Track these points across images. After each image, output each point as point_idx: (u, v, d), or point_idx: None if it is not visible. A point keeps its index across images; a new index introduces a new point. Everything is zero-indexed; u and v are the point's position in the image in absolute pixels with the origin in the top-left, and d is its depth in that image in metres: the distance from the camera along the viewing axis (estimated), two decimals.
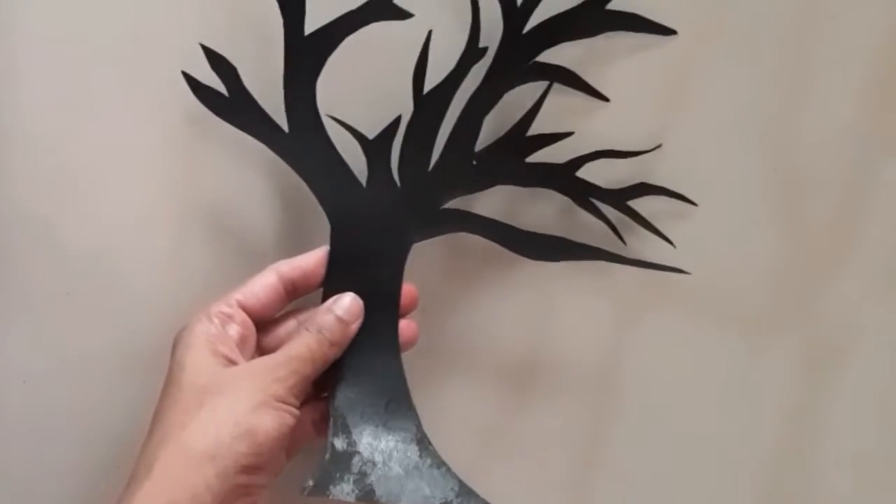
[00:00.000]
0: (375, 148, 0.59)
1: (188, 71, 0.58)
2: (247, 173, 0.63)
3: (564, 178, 0.63)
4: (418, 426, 0.59)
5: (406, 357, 0.61)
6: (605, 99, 0.64)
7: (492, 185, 0.62)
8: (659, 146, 0.65)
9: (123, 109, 0.61)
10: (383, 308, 0.59)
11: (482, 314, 0.65)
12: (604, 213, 0.64)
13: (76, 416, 0.62)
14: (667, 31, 0.64)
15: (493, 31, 0.61)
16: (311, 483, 0.55)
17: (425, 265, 0.63)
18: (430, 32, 0.59)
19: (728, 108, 0.67)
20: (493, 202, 0.63)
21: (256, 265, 0.60)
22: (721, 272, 0.67)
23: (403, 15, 0.59)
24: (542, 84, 0.62)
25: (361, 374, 0.59)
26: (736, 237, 0.67)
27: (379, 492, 0.57)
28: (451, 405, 0.65)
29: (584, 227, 0.64)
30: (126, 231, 0.62)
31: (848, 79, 0.68)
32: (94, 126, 0.61)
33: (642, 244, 0.65)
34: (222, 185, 0.62)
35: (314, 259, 0.59)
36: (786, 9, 0.67)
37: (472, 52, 0.60)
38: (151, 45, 0.60)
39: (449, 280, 0.64)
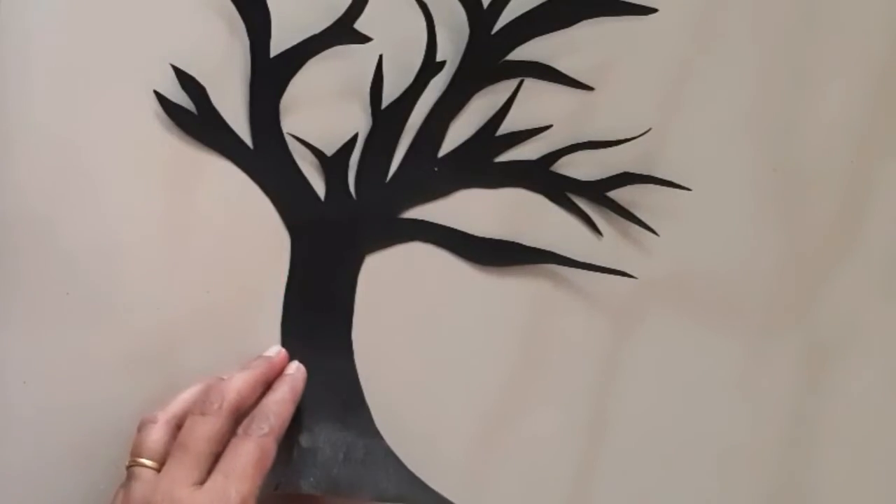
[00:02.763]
0: (333, 163, 0.62)
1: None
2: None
3: (537, 175, 0.65)
4: (370, 421, 0.63)
5: (403, 360, 0.64)
6: (589, 88, 0.65)
7: (455, 191, 0.64)
8: (647, 131, 0.65)
9: (124, 110, 0.62)
10: (338, 315, 0.63)
11: (481, 315, 0.66)
12: (580, 207, 0.65)
13: (76, 416, 0.62)
14: (646, 11, 0.64)
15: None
16: (282, 480, 0.60)
17: (429, 266, 0.65)
18: (380, 57, 0.61)
19: (727, 108, 0.67)
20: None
21: (256, 265, 0.63)
22: (720, 272, 0.67)
23: (363, 39, 0.61)
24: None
25: (319, 377, 0.62)
26: (735, 237, 0.67)
27: (342, 484, 0.61)
28: (449, 407, 0.66)
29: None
30: (126, 231, 0.61)
31: (848, 79, 0.68)
32: (95, 126, 0.61)
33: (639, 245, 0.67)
34: (223, 186, 0.63)
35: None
36: (785, 8, 0.67)
37: (430, 65, 0.62)
38: (152, 47, 0.62)
39: (449, 280, 0.65)
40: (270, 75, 0.62)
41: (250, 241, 0.63)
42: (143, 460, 0.57)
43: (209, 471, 0.55)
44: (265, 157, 0.62)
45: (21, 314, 0.61)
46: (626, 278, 0.65)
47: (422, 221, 0.64)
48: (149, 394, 0.61)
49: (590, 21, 0.64)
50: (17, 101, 0.61)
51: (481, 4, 0.62)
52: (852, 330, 0.69)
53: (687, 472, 0.68)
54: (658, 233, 0.66)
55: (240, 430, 0.57)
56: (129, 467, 0.57)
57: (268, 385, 0.60)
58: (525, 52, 0.64)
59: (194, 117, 0.62)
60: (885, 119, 0.68)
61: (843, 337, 0.69)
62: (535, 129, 0.64)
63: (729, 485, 0.68)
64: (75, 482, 0.62)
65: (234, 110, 0.62)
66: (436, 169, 0.64)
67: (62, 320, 0.62)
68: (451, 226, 0.64)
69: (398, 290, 0.64)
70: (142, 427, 0.58)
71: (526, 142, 0.64)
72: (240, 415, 0.58)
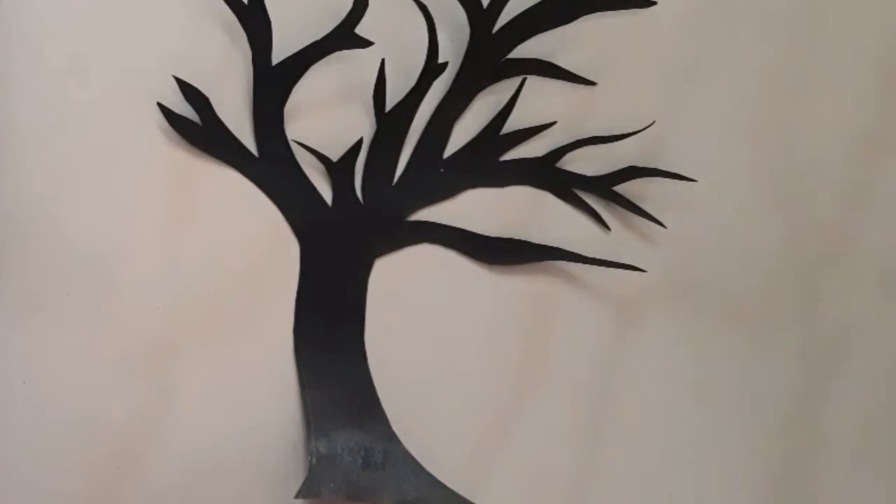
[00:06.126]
0: (339, 168, 0.62)
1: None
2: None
3: (543, 172, 0.65)
4: (387, 424, 0.63)
5: (415, 361, 0.65)
6: (591, 83, 0.65)
7: (461, 191, 0.65)
8: (651, 125, 0.65)
9: (123, 111, 0.62)
10: (350, 320, 0.63)
11: (491, 314, 0.66)
12: (587, 203, 0.66)
13: (76, 416, 0.62)
14: (644, 4, 0.64)
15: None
16: (302, 487, 0.60)
17: (438, 267, 0.65)
18: (383, 60, 0.61)
19: (728, 108, 0.67)
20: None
21: (259, 268, 0.63)
22: (721, 272, 0.68)
23: (364, 43, 0.61)
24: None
25: (333, 382, 0.62)
26: (736, 237, 0.68)
27: (363, 489, 0.62)
28: (461, 405, 0.66)
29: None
30: (126, 232, 0.62)
31: (848, 79, 0.68)
32: (95, 127, 0.62)
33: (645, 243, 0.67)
34: (221, 187, 0.63)
35: None
36: (786, 8, 0.67)
37: (432, 67, 0.62)
38: (154, 56, 0.62)
39: (458, 280, 0.65)
40: (273, 83, 0.62)
41: (254, 244, 0.63)
42: None
43: None
44: (271, 165, 0.62)
45: (21, 314, 0.62)
46: (633, 274, 0.65)
47: (429, 223, 0.64)
48: (149, 394, 0.62)
49: (589, 17, 0.64)
50: (20, 104, 0.61)
51: (481, 4, 0.62)
52: (852, 329, 0.69)
53: (687, 470, 0.68)
54: (665, 225, 0.66)
55: None
56: None
57: None
58: (526, 49, 0.64)
59: (198, 127, 0.62)
60: (885, 119, 0.69)
61: (843, 335, 0.69)
62: (540, 126, 0.64)
63: (729, 483, 0.68)
64: (75, 482, 0.63)
65: (238, 119, 0.62)
66: (442, 170, 0.64)
67: (62, 320, 0.62)
68: (459, 226, 0.64)
69: (408, 292, 0.64)
70: None
71: (531, 139, 0.65)
72: None
